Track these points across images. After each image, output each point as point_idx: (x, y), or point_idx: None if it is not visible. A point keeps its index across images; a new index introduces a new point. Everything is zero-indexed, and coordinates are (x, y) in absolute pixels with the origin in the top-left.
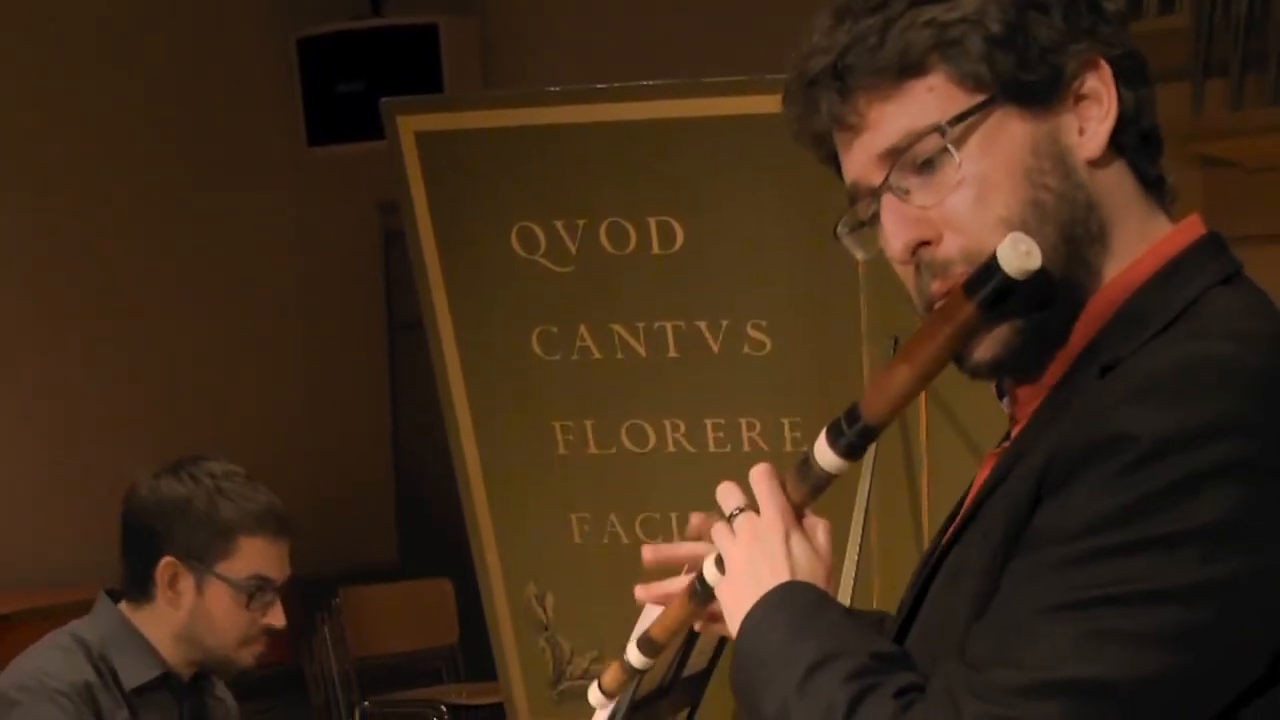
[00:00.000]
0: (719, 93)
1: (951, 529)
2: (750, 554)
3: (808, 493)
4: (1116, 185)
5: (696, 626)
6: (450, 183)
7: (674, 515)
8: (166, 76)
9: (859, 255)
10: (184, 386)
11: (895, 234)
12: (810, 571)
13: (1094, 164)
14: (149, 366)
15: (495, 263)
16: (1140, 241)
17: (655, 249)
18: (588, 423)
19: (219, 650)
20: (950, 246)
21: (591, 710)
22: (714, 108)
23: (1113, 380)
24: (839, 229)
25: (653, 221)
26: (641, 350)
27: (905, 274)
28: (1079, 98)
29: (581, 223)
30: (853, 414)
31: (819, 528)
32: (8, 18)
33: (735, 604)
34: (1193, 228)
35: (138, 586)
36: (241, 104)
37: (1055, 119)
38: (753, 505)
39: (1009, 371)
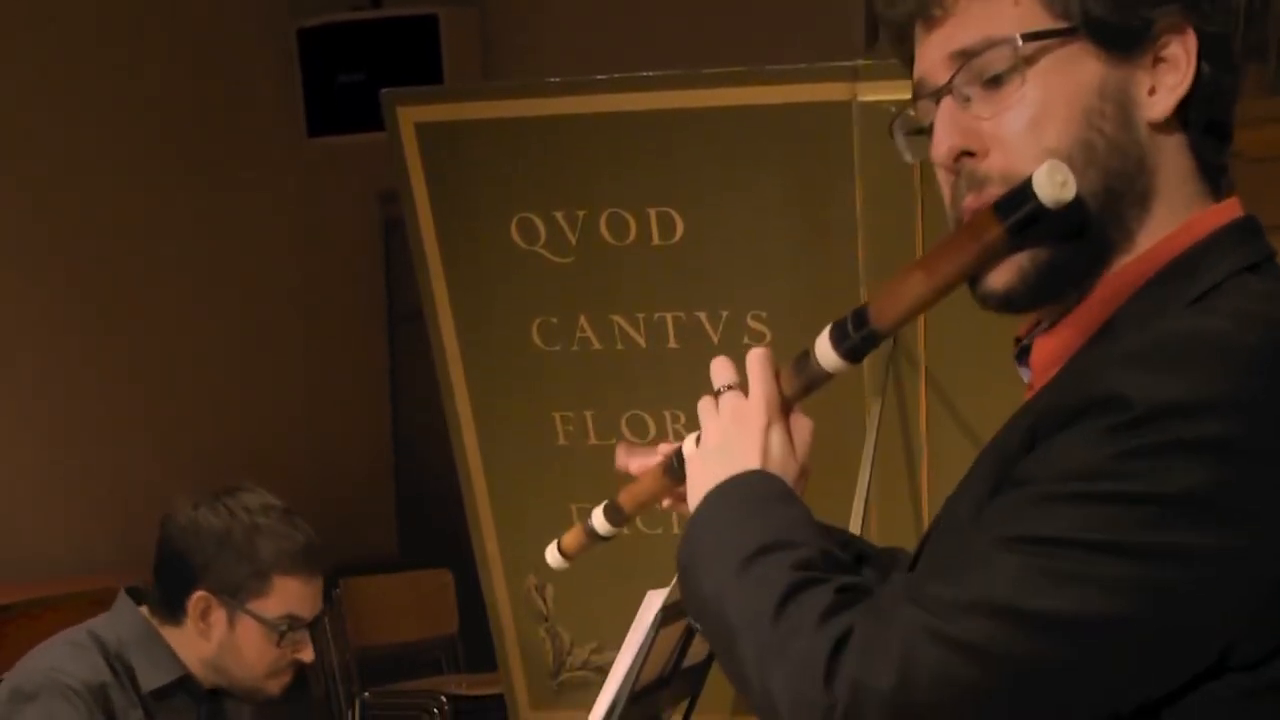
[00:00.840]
0: (720, 84)
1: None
2: (727, 433)
3: (801, 388)
4: (1172, 157)
5: (664, 503)
6: (450, 174)
7: None
8: (166, 68)
9: (907, 157)
10: (184, 377)
11: (943, 138)
12: (782, 466)
13: (1155, 128)
14: (148, 357)
15: (495, 254)
16: (1177, 222)
17: (655, 240)
18: (588, 413)
19: (247, 681)
20: (992, 164)
21: (590, 701)
22: (715, 99)
23: (1109, 347)
24: (894, 125)
25: (653, 212)
26: (642, 341)
27: (944, 180)
28: (1158, 59)
29: (581, 214)
30: (860, 317)
31: (803, 427)
32: (7, 9)
33: (700, 478)
34: (1228, 210)
35: (168, 609)
36: (241, 95)
37: (1130, 71)
38: (744, 386)
39: (1018, 306)
